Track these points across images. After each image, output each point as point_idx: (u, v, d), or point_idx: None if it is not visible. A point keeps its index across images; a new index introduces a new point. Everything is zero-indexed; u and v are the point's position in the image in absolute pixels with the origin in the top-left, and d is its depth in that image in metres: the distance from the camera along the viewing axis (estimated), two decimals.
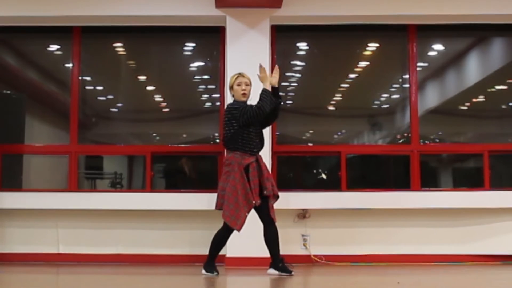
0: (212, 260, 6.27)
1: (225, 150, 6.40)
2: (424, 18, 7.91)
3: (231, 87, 6.39)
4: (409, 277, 6.49)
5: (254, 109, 6.16)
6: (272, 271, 6.20)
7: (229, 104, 6.38)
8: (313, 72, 8.61)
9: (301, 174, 8.57)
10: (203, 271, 6.23)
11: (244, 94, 6.33)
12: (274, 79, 6.28)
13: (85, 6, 7.78)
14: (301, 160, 8.39)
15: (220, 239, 6.25)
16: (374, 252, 7.75)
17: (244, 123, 6.17)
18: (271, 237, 6.19)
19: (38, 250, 7.79)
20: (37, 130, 8.69)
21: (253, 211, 6.14)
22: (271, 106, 6.17)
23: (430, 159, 8.32)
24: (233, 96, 6.39)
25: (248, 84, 6.36)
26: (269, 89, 6.22)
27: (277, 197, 6.28)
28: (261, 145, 6.32)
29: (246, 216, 6.10)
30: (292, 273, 6.15)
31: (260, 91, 6.21)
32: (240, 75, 6.39)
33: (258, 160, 6.24)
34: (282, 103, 6.39)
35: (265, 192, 6.14)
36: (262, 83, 6.26)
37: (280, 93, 6.37)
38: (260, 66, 6.28)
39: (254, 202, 6.08)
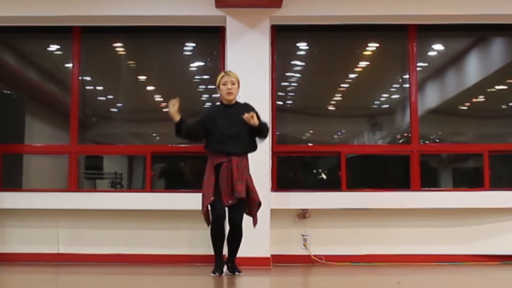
0: (216, 258, 6.32)
1: (244, 153, 6.42)
2: (424, 18, 7.91)
3: (218, 86, 6.45)
4: (409, 277, 6.50)
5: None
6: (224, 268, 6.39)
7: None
8: (313, 72, 8.61)
9: (301, 174, 8.57)
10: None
11: (229, 93, 6.40)
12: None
13: (85, 6, 7.78)
14: (301, 160, 8.39)
15: (211, 235, 6.36)
16: (374, 252, 7.75)
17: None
18: (234, 241, 6.44)
19: (38, 250, 7.79)
20: (37, 130, 8.69)
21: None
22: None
23: (430, 159, 8.32)
24: (219, 95, 6.47)
25: (234, 83, 6.41)
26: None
27: (259, 204, 6.37)
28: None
29: (204, 211, 6.35)
30: (236, 273, 6.34)
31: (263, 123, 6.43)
32: (226, 74, 6.47)
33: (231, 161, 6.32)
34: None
35: (235, 194, 6.22)
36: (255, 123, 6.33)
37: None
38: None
39: (212, 198, 6.31)
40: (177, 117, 6.31)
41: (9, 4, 7.76)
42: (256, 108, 6.63)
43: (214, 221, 6.26)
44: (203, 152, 8.32)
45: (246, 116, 6.24)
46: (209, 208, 6.30)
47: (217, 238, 6.29)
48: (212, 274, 6.25)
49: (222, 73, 6.51)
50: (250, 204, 6.32)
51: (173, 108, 6.27)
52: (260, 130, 6.37)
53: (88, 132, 8.55)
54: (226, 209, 6.31)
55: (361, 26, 8.08)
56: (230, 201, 6.20)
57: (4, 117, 8.14)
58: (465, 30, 8.28)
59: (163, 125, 8.75)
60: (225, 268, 6.37)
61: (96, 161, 8.66)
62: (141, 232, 7.83)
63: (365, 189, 7.87)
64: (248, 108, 6.45)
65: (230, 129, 6.31)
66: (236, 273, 6.34)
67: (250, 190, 6.26)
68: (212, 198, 6.22)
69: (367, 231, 7.80)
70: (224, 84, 6.41)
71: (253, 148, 6.46)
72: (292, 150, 8.16)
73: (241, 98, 6.65)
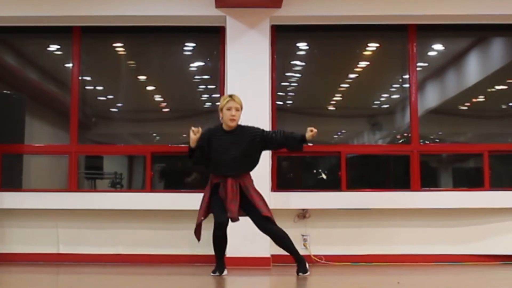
0: (216, 260, 6.29)
1: (245, 172, 6.34)
2: (424, 18, 7.91)
3: (221, 110, 6.33)
4: (409, 277, 6.49)
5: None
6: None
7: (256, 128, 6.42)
8: (313, 72, 8.61)
9: (301, 174, 8.56)
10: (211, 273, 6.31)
11: (232, 119, 6.26)
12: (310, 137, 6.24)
13: (85, 6, 7.79)
14: (301, 160, 8.39)
15: (213, 238, 6.30)
16: (374, 252, 7.75)
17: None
18: (275, 241, 6.31)
19: (38, 250, 7.79)
20: (37, 130, 8.69)
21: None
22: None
23: (430, 159, 8.32)
24: (221, 118, 6.35)
25: (239, 109, 6.28)
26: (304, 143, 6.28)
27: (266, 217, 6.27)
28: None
29: (197, 226, 6.38)
30: (300, 273, 6.19)
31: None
32: (232, 99, 6.29)
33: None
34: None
35: (228, 214, 6.20)
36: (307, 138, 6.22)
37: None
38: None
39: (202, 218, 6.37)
40: (194, 144, 6.25)
41: (9, 4, 7.76)
42: (256, 108, 6.61)
43: (215, 227, 6.23)
44: None
45: (312, 132, 6.14)
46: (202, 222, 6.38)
47: (217, 244, 6.27)
48: (211, 274, 6.25)
49: (227, 98, 6.33)
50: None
51: (194, 136, 6.22)
52: (299, 149, 6.35)
53: (88, 132, 8.56)
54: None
55: (361, 26, 8.08)
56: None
57: (4, 117, 8.14)
58: (465, 30, 8.28)
59: (163, 125, 8.77)
60: (225, 271, 6.34)
61: (96, 161, 8.66)
62: (141, 232, 7.83)
63: (365, 189, 7.87)
64: (251, 132, 6.34)
65: (225, 155, 6.23)
66: (300, 274, 6.19)
67: (256, 207, 6.20)
68: (202, 218, 6.30)
69: (367, 231, 7.80)
70: (228, 109, 6.26)
71: (252, 168, 6.40)
72: None
73: (242, 98, 6.58)
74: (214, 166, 6.32)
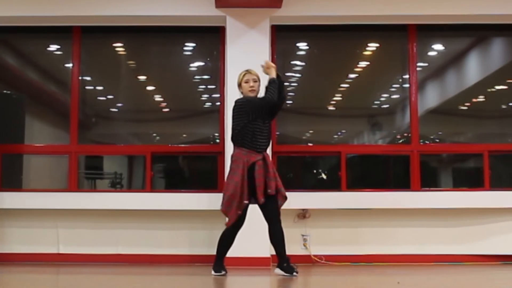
0: (219, 260, 6.25)
1: (233, 146, 6.32)
2: (424, 18, 7.92)
3: (239, 85, 6.39)
4: (409, 277, 6.50)
5: (265, 98, 6.23)
6: (278, 270, 6.16)
7: (237, 99, 6.34)
8: (313, 72, 8.61)
9: (301, 174, 8.57)
10: (212, 272, 6.21)
11: (252, 90, 6.33)
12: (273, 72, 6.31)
13: (85, 6, 7.79)
14: (301, 160, 8.39)
15: (226, 237, 6.22)
16: (374, 252, 7.75)
17: (256, 115, 6.18)
18: (275, 237, 6.17)
19: (38, 250, 7.79)
20: (37, 130, 8.69)
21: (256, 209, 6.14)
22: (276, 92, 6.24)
23: (430, 159, 8.32)
24: (241, 93, 6.40)
25: (256, 80, 6.35)
26: (274, 77, 6.27)
27: (285, 198, 6.23)
28: (268, 142, 6.29)
29: (238, 214, 6.08)
30: (294, 273, 6.07)
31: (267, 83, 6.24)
32: (248, 72, 6.40)
33: (265, 159, 6.18)
34: (285, 83, 6.46)
35: (269, 190, 6.07)
36: (268, 74, 6.30)
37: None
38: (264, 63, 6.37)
39: (246, 202, 6.08)
40: (275, 73, 6.30)
41: (9, 4, 7.77)
42: None
43: (233, 224, 6.14)
44: (202, 152, 8.35)
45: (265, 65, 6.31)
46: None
47: (225, 241, 6.21)
48: (216, 274, 6.18)
49: (244, 71, 6.41)
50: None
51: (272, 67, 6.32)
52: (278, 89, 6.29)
53: (88, 132, 8.56)
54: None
55: (361, 26, 8.08)
56: (263, 199, 6.10)
57: (4, 117, 8.14)
58: (465, 30, 8.29)
59: (163, 125, 8.77)
60: (222, 271, 6.28)
61: (96, 161, 8.66)
62: (141, 232, 7.83)
63: (365, 189, 7.87)
64: None
65: None
66: (294, 274, 6.06)
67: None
68: (246, 202, 6.13)
69: (367, 231, 7.80)
70: (246, 82, 6.34)
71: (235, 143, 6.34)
72: (292, 150, 8.16)
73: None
74: (257, 138, 6.22)
